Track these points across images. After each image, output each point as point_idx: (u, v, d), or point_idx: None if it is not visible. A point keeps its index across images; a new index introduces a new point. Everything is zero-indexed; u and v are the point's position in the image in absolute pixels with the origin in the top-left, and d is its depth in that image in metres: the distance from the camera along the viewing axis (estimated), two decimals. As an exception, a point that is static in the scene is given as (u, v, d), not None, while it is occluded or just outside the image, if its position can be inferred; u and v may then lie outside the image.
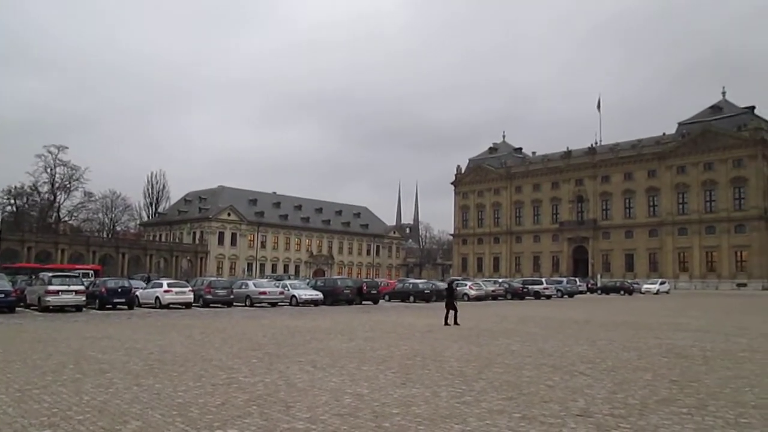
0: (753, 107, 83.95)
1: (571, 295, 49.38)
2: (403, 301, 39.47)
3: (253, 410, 6.89)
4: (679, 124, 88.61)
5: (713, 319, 23.58)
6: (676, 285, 76.69)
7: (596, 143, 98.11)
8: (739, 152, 79.29)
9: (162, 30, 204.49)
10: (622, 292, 57.69)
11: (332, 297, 34.34)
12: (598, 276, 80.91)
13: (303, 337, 15.58)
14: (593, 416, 6.68)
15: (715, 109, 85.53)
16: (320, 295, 33.54)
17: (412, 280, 49.41)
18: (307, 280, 45.24)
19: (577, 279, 62.33)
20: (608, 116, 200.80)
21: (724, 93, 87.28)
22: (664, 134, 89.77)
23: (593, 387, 8.47)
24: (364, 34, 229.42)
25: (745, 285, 75.15)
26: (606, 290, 60.43)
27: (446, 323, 18.97)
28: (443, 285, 43.75)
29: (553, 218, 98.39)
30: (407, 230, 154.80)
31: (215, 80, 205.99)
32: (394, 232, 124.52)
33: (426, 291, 39.68)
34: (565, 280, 56.84)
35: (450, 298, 20.02)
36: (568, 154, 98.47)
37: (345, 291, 35.37)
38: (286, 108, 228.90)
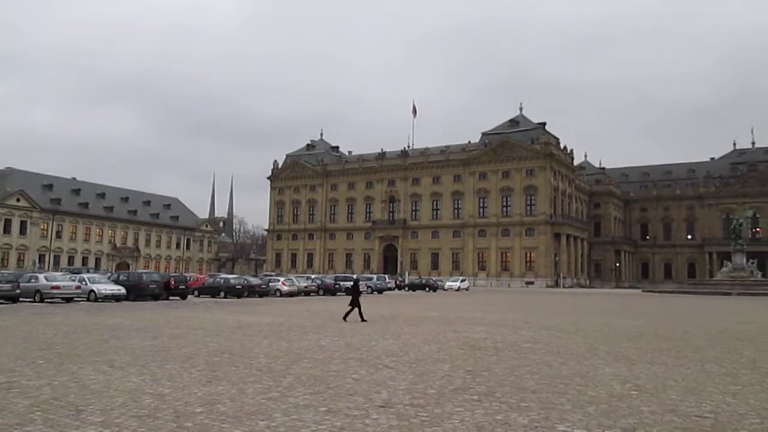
0: (545, 123, 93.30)
1: (380, 291, 51.26)
2: (213, 296, 38.33)
3: (37, 417, 6.27)
4: (483, 134, 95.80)
5: (504, 314, 25.79)
6: (475, 282, 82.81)
7: (409, 147, 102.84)
8: (531, 163, 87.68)
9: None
10: (427, 289, 60.99)
11: (136, 292, 32.38)
12: (407, 273, 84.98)
13: (100, 335, 14.50)
14: (395, 406, 6.99)
15: (514, 122, 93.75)
16: (123, 290, 31.42)
17: (223, 275, 48.17)
18: (109, 274, 42.22)
19: (386, 276, 64.82)
20: (423, 122, 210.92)
21: (521, 108, 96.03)
22: (469, 142, 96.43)
23: (396, 379, 8.87)
24: (185, 22, 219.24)
25: (532, 283, 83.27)
26: (413, 287, 63.52)
27: (358, 318, 19.33)
28: (256, 280, 43.29)
29: (366, 217, 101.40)
30: (221, 224, 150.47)
31: (14, 48, 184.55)
32: (207, 226, 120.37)
33: (238, 286, 38.88)
34: (375, 277, 58.86)
35: (355, 294, 19.94)
36: (382, 155, 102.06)
37: (151, 286, 33.49)
38: (95, 89, 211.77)
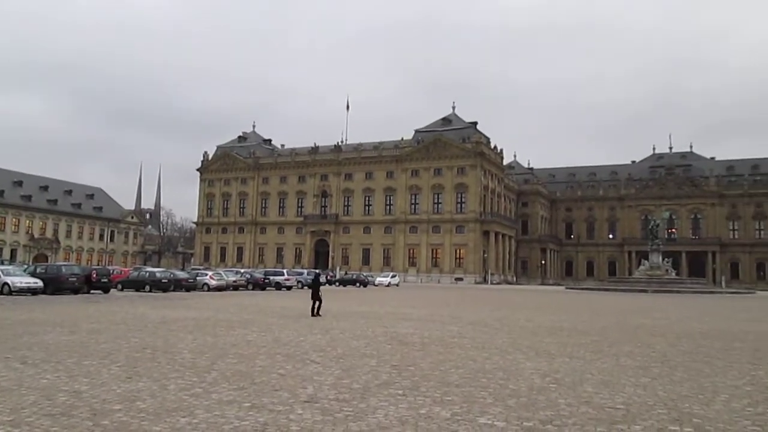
0: (476, 123, 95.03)
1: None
2: (138, 290, 37.19)
3: (-60, 415, 5.94)
4: (416, 131, 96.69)
5: (433, 309, 26.16)
6: (406, 278, 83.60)
7: (342, 142, 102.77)
8: (463, 162, 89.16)
9: None
10: (358, 285, 61.12)
11: (55, 285, 31.06)
12: (338, 269, 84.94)
13: (13, 330, 13.84)
14: (320, 401, 6.99)
15: (446, 121, 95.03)
16: (40, 283, 30.07)
17: (148, 269, 46.80)
18: (25, 266, 40.32)
19: (317, 271, 64.48)
20: (357, 117, 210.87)
21: (454, 107, 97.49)
22: (402, 139, 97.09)
23: (322, 374, 8.86)
24: (113, 5, 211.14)
25: (461, 279, 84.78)
26: (344, 282, 63.53)
27: (313, 314, 19.49)
28: (183, 274, 42.29)
29: (298, 211, 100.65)
30: (147, 216, 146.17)
31: None
32: (132, 217, 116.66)
33: (164, 280, 37.89)
34: (306, 272, 58.53)
35: (316, 288, 20.10)
36: (315, 149, 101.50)
37: (70, 279, 32.19)
38: (8, 71, 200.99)
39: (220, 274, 44.76)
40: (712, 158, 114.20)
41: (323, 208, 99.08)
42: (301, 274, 54.68)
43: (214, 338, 13.14)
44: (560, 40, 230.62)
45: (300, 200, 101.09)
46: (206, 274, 43.24)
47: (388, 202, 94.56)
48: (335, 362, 10.08)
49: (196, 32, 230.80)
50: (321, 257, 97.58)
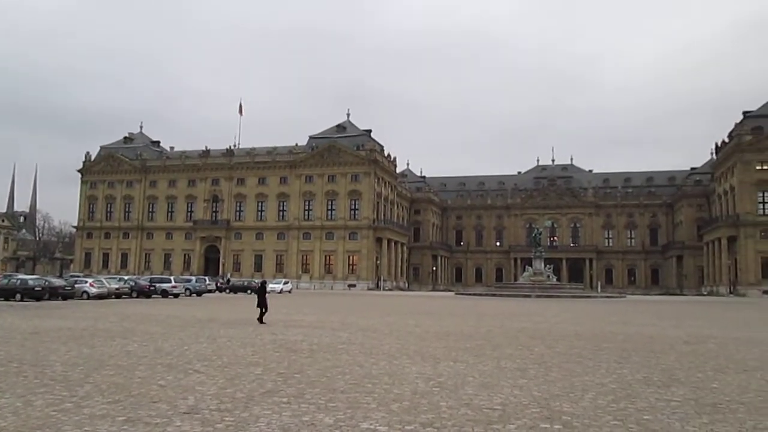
0: (370, 130, 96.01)
1: (199, 294, 49.48)
2: (7, 299, 34.55)
3: None
4: (310, 137, 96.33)
5: (324, 316, 26.12)
6: (299, 285, 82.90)
7: (235, 146, 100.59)
8: (356, 169, 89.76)
9: None
10: (249, 291, 59.93)
11: None
12: (228, 275, 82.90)
13: None
14: (200, 412, 6.80)
15: (341, 128, 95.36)
16: None
17: (20, 276, 43.65)
18: None
19: (206, 278, 62.74)
20: (251, 122, 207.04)
21: (348, 115, 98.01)
22: (296, 145, 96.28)
23: (205, 384, 8.63)
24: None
25: (354, 285, 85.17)
26: (234, 289, 62.11)
27: (260, 321, 19.99)
28: (59, 281, 39.76)
29: (187, 216, 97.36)
30: (21, 219, 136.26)
31: None
32: (3, 221, 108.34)
33: (37, 288, 35.43)
34: (194, 278, 56.72)
35: (262, 296, 20.51)
36: (206, 153, 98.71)
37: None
38: None
39: (102, 281, 42.51)
40: (590, 171, 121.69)
41: (214, 214, 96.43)
42: (189, 281, 52.88)
43: (90, 349, 12.46)
44: (454, 56, 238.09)
45: (190, 205, 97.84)
46: (86, 282, 40.91)
47: (281, 208, 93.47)
48: (219, 371, 9.85)
49: (80, 29, 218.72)
50: (211, 264, 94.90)
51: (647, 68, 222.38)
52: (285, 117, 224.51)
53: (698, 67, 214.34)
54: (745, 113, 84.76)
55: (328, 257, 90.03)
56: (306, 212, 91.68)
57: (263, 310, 20.51)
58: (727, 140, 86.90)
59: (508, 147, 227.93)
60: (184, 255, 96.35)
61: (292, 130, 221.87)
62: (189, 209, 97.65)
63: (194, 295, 48.31)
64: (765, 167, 77.96)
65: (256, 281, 67.82)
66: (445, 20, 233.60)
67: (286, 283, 67.39)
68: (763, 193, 78.11)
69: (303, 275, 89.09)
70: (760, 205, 78.16)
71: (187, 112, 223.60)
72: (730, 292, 78.36)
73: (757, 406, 7.71)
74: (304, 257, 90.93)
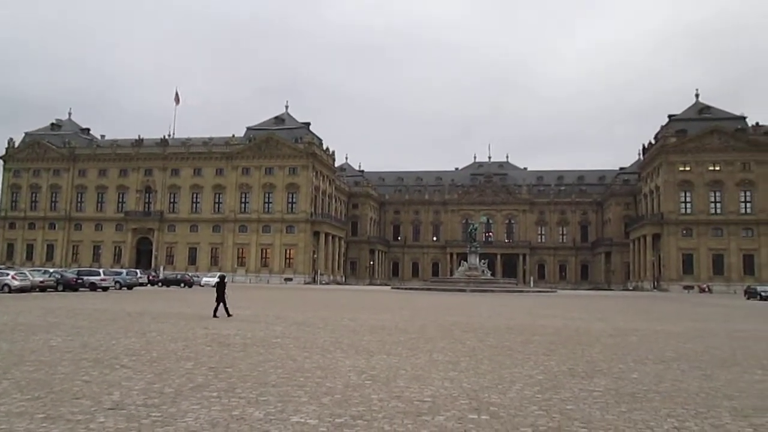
0: (309, 123, 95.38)
1: (130, 287, 48.07)
2: None
3: None
4: (248, 128, 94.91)
5: (258, 309, 25.85)
6: (234, 278, 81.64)
7: (170, 135, 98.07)
8: (295, 161, 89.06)
9: None
10: (183, 285, 58.72)
11: None
12: (161, 268, 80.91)
13: None
14: (126, 408, 6.64)
15: (279, 120, 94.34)
16: None
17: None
18: None
19: (138, 271, 61.01)
20: (188, 112, 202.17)
21: (287, 107, 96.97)
22: (233, 136, 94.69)
23: (132, 379, 8.43)
24: None
25: (291, 279, 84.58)
26: (167, 282, 60.69)
27: (215, 315, 20.01)
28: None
29: (118, 207, 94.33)
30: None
31: None
32: None
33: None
34: (125, 271, 55.04)
35: (220, 290, 20.50)
36: (139, 142, 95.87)
37: None
38: None
39: (25, 273, 40.69)
40: (525, 169, 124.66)
41: (147, 205, 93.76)
42: (119, 273, 51.27)
43: (10, 344, 11.95)
44: (395, 53, 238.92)
45: (121, 195, 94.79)
46: (7, 274, 39.08)
47: (217, 200, 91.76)
48: (148, 366, 9.63)
49: (2, 5, 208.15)
50: (143, 256, 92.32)
51: (581, 71, 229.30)
52: (223, 108, 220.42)
53: (629, 71, 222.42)
54: (670, 116, 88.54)
55: (264, 251, 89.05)
56: (242, 205, 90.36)
57: (223, 304, 20.55)
58: (653, 142, 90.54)
59: (446, 143, 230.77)
60: (115, 247, 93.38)
61: (230, 122, 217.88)
62: (120, 200, 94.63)
63: (125, 288, 46.89)
64: (688, 168, 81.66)
65: (190, 274, 66.61)
66: (387, 18, 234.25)
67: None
68: (686, 193, 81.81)
69: (239, 269, 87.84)
70: (683, 205, 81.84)
71: (118, 100, 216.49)
72: (654, 287, 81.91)
73: (671, 395, 8.11)
74: (240, 250, 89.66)
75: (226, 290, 21.16)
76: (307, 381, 8.62)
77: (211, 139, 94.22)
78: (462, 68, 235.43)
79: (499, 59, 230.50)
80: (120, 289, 46.02)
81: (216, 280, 62.17)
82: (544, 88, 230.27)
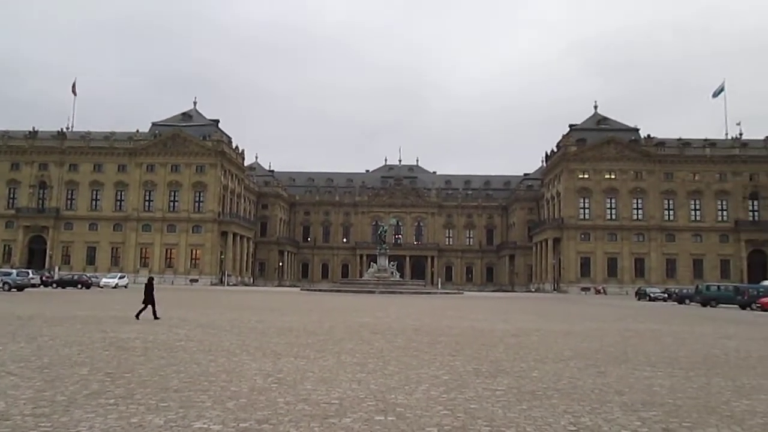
0: (218, 121, 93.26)
1: (21, 288, 45.17)
2: None
3: None
4: (153, 123, 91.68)
5: (161, 312, 24.89)
6: (136, 280, 78.50)
7: (68, 128, 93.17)
8: (202, 159, 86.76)
9: None
10: (79, 286, 55.74)
11: None
12: (56, 268, 76.62)
13: None
14: (11, 418, 6.21)
15: (187, 116, 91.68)
16: None
17: None
18: None
19: (30, 271, 57.39)
20: (89, 106, 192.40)
21: (195, 103, 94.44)
22: (138, 131, 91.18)
23: (20, 387, 7.90)
24: None
25: (197, 280, 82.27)
26: (63, 283, 57.40)
27: (137, 317, 19.71)
28: None
29: (9, 203, 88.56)
30: None
31: None
32: None
33: None
34: (15, 271, 51.64)
35: (149, 292, 20.17)
36: (33, 134, 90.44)
37: None
38: None
39: None
40: (434, 172, 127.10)
41: (41, 201, 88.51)
42: (9, 274, 48.04)
43: None
44: (310, 53, 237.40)
45: (12, 190, 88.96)
46: None
47: (119, 198, 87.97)
48: (38, 373, 9.05)
49: None
50: (37, 256, 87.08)
51: (490, 80, 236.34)
52: (127, 103, 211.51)
53: (535, 81, 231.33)
54: (571, 126, 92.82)
55: (169, 251, 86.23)
56: (146, 203, 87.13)
57: (147, 306, 20.14)
58: (555, 150, 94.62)
59: (357, 146, 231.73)
60: (5, 246, 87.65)
61: (135, 117, 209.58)
62: (11, 195, 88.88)
63: (14, 290, 44.03)
64: (586, 176, 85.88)
65: (88, 275, 63.35)
66: (299, 18, 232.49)
67: (122, 277, 63.53)
68: (584, 200, 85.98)
69: (142, 269, 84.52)
70: (582, 210, 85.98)
71: (9, 89, 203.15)
72: (554, 289, 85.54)
73: (568, 392, 8.46)
74: (144, 250, 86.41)
75: (154, 292, 20.62)
76: (212, 385, 8.38)
77: (113, 133, 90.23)
78: (374, 71, 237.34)
79: (411, 65, 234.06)
80: (9, 290, 43.23)
81: (116, 281, 59.51)
82: (453, 95, 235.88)
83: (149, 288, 20.53)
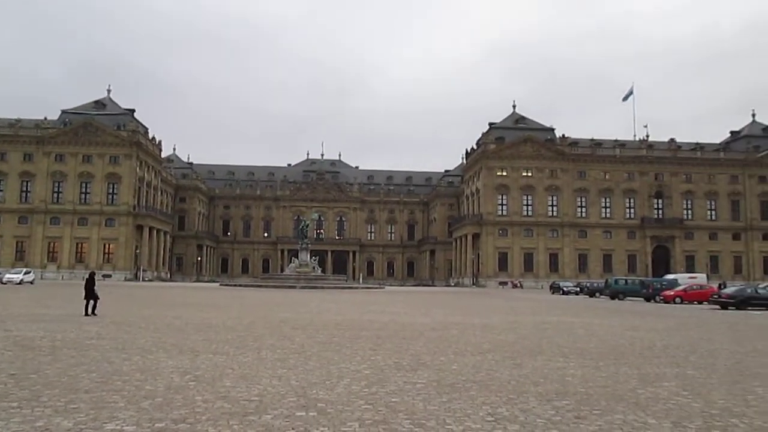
0: (134, 110, 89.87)
1: None
2: None
3: None
4: (63, 111, 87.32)
5: (72, 308, 23.79)
6: (44, 275, 74.76)
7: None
8: (117, 150, 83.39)
9: None
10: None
11: None
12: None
13: None
14: None
15: (100, 104, 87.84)
16: None
17: None
18: None
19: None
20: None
21: (109, 91, 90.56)
22: (45, 119, 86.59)
23: None
24: None
25: (110, 276, 79.01)
26: (-40, 280, 53.89)
27: (86, 314, 19.24)
28: None
29: None
30: None
31: None
32: None
33: None
34: None
35: (90, 288, 19.72)
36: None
37: None
38: None
39: None
40: (357, 167, 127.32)
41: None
42: None
43: None
44: (229, 43, 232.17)
45: None
46: None
47: (25, 189, 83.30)
48: (-68, 375, 8.46)
49: None
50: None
51: (413, 78, 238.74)
52: (34, 89, 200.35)
53: (457, 79, 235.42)
54: (490, 124, 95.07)
55: (80, 245, 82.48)
56: (55, 195, 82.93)
57: (93, 302, 19.60)
58: (475, 147, 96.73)
59: (279, 139, 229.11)
60: None
61: (42, 104, 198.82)
62: None
63: None
64: (505, 173, 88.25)
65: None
66: (221, 8, 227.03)
67: (27, 273, 60.23)
68: (502, 196, 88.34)
69: (49, 264, 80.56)
70: (500, 207, 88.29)
71: None
72: (473, 283, 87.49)
73: (486, 384, 8.67)
74: (52, 245, 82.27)
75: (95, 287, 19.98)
76: (125, 385, 8.06)
77: (18, 120, 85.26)
78: (297, 66, 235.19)
79: (334, 61, 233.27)
80: None
81: (21, 276, 56.48)
82: (377, 92, 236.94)
83: (90, 283, 20.03)
